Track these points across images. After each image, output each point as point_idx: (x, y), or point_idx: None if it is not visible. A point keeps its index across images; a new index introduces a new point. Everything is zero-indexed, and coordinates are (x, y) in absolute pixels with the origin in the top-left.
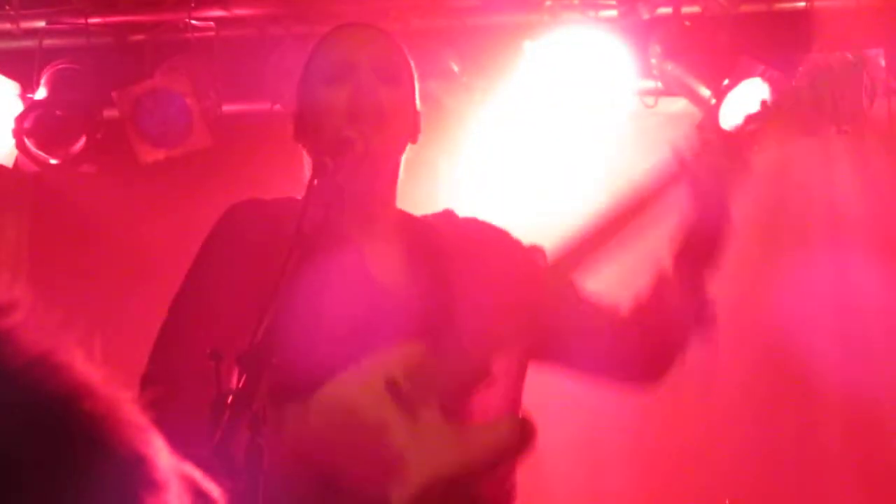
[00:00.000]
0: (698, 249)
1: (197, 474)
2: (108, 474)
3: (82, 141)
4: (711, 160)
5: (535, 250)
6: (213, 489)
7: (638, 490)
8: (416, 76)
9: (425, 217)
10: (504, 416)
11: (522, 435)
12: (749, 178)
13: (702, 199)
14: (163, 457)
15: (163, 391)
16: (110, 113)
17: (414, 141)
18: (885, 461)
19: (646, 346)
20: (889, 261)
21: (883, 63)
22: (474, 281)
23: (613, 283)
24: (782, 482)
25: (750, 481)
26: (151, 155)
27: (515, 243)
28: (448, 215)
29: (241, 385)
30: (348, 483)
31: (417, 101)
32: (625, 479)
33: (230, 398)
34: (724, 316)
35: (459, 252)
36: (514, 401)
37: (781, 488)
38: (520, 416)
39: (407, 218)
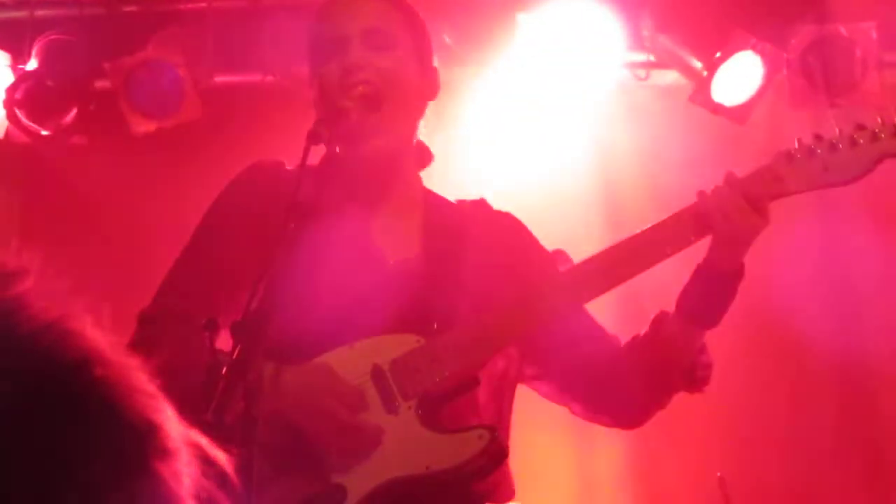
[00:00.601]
0: (701, 302)
1: (205, 442)
2: (119, 441)
3: (74, 112)
4: (732, 209)
5: (558, 253)
6: (220, 457)
7: (630, 461)
8: (422, 31)
9: (457, 202)
10: (476, 427)
11: (489, 448)
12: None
13: (716, 250)
14: (173, 424)
15: (154, 331)
16: (102, 84)
17: (431, 97)
18: (878, 431)
19: (633, 386)
20: (879, 231)
21: (875, 36)
22: (487, 268)
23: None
24: (775, 452)
25: (743, 452)
26: (143, 126)
27: (540, 249)
28: (480, 204)
29: (235, 355)
30: (315, 454)
31: (431, 58)
32: (615, 451)
33: (225, 368)
34: None
35: (481, 240)
36: (498, 409)
37: (774, 459)
38: (496, 427)
39: (432, 196)
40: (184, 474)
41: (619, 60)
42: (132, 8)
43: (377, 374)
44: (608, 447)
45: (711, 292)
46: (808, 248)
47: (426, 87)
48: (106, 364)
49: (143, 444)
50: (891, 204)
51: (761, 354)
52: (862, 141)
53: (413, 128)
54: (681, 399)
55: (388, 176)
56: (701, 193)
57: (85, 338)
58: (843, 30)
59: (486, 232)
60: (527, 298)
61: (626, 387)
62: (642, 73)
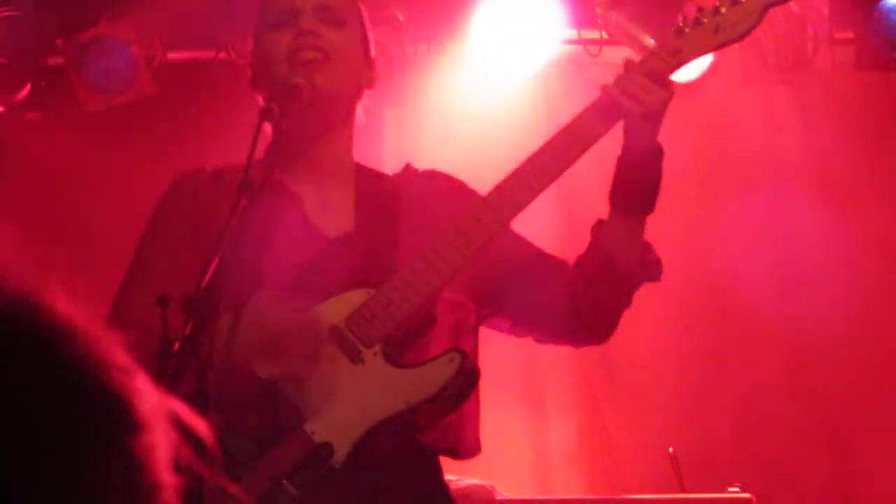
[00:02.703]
0: (629, 190)
1: (183, 411)
2: (88, 417)
3: (27, 89)
4: (636, 89)
5: None
6: (199, 425)
7: (582, 436)
8: (366, 21)
9: (386, 173)
10: (445, 352)
11: (462, 369)
12: (674, 111)
13: (631, 133)
14: (148, 396)
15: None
16: (55, 60)
17: (370, 87)
18: (827, 402)
19: (590, 299)
20: (828, 206)
21: (826, 13)
22: (424, 225)
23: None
24: (726, 427)
25: (694, 427)
26: (96, 103)
27: (472, 193)
28: (407, 168)
29: (187, 332)
30: (289, 424)
31: (372, 48)
32: (568, 427)
33: (177, 345)
34: (670, 260)
35: (413, 199)
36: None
37: (725, 433)
38: (464, 349)
39: (362, 169)
40: (158, 447)
41: (572, 37)
42: None
43: (335, 333)
44: (561, 422)
45: (636, 176)
46: (759, 224)
47: (368, 74)
48: (76, 338)
49: (113, 419)
50: (837, 179)
51: (711, 329)
52: None
53: (352, 107)
54: (633, 375)
55: (329, 150)
56: (604, 86)
57: (56, 312)
58: (794, 7)
59: (416, 191)
60: (462, 223)
61: (585, 300)
62: (595, 49)
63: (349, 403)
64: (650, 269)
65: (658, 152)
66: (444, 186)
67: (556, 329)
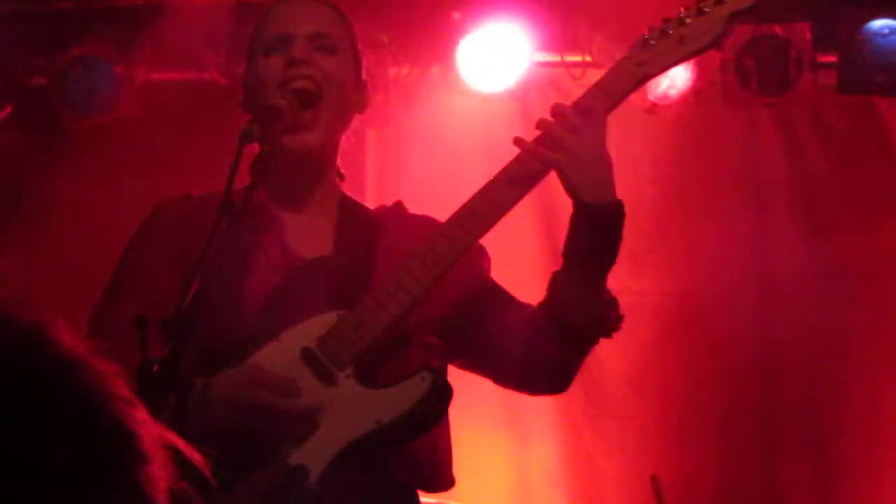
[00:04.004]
0: (580, 250)
1: (180, 443)
2: (96, 448)
3: (8, 108)
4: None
5: (479, 249)
6: (195, 457)
7: (564, 460)
8: (358, 45)
9: (375, 208)
10: (416, 371)
11: (434, 387)
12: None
13: (569, 187)
14: (149, 429)
15: None
16: (38, 80)
17: (361, 112)
18: (808, 427)
19: (548, 349)
20: (808, 229)
21: (809, 36)
22: (402, 256)
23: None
24: (707, 451)
25: (675, 451)
26: (78, 123)
27: None
28: (396, 207)
29: (166, 353)
30: (265, 447)
31: (364, 72)
32: (550, 449)
33: (156, 366)
34: (650, 282)
35: (395, 233)
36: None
37: (706, 457)
38: (438, 367)
39: (348, 201)
40: (159, 478)
41: (555, 59)
42: (68, 4)
43: (307, 355)
44: (543, 445)
45: (584, 233)
46: (738, 250)
47: (359, 99)
48: (83, 371)
49: (120, 450)
50: (818, 202)
51: (692, 352)
52: (708, 9)
53: (341, 133)
54: (615, 398)
55: (310, 175)
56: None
57: (62, 345)
58: (778, 30)
59: (401, 233)
60: (431, 242)
61: (542, 352)
62: (578, 72)
63: (322, 426)
64: (609, 326)
65: (614, 211)
66: (429, 228)
67: (510, 376)
